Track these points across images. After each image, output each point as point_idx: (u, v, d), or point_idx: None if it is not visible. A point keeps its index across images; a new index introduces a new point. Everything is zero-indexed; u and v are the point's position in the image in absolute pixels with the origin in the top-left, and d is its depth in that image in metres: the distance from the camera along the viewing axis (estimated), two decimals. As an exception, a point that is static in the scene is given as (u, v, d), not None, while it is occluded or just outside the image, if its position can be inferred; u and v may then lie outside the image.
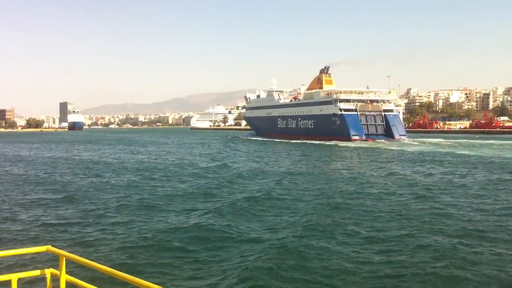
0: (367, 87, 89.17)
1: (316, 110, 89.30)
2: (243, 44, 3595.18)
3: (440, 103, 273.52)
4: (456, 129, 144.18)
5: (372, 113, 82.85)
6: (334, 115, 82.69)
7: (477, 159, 43.19)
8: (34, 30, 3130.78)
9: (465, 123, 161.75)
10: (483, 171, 32.67)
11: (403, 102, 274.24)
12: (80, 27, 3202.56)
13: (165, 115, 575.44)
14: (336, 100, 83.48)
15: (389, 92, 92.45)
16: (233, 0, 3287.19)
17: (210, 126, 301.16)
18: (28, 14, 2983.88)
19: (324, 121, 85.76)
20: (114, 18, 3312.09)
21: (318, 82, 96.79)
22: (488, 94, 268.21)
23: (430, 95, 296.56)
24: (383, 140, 78.59)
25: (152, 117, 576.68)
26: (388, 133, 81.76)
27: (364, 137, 78.98)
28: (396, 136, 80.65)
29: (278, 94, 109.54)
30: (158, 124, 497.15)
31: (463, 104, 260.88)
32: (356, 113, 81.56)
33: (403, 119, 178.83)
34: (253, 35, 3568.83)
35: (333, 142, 75.59)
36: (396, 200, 20.67)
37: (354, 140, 77.49)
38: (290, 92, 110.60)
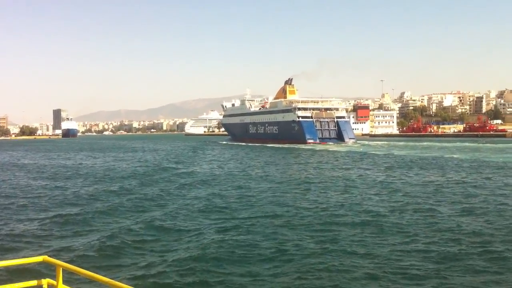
0: (321, 97, 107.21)
1: (279, 117, 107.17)
2: (236, 49, 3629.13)
3: (434, 107, 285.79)
4: (450, 133, 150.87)
5: (326, 120, 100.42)
6: (293, 121, 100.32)
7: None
8: (26, 36, 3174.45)
9: (459, 127, 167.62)
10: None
11: (396, 106, 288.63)
12: (72, 34, 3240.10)
13: (159, 121, 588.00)
14: (295, 109, 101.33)
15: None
16: (228, 7, 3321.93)
17: (204, 132, 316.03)
18: (19, 19, 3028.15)
19: (286, 127, 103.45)
20: (106, 23, 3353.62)
21: (283, 92, 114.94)
22: (481, 98, 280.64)
23: (423, 99, 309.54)
24: (332, 143, 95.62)
25: (146, 123, 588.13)
26: (339, 137, 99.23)
27: (318, 141, 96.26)
28: (346, 140, 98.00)
29: (250, 102, 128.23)
30: (152, 130, 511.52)
31: (457, 108, 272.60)
32: (312, 119, 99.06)
33: (397, 122, 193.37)
34: (245, 40, 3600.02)
35: (292, 145, 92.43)
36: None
37: (309, 143, 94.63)
38: (260, 101, 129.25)
